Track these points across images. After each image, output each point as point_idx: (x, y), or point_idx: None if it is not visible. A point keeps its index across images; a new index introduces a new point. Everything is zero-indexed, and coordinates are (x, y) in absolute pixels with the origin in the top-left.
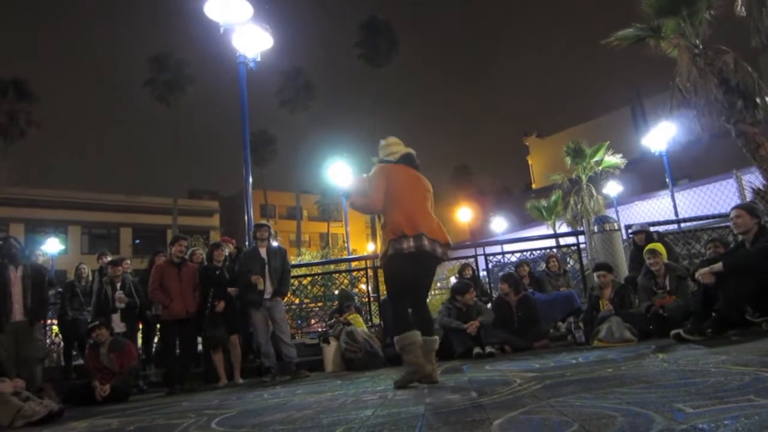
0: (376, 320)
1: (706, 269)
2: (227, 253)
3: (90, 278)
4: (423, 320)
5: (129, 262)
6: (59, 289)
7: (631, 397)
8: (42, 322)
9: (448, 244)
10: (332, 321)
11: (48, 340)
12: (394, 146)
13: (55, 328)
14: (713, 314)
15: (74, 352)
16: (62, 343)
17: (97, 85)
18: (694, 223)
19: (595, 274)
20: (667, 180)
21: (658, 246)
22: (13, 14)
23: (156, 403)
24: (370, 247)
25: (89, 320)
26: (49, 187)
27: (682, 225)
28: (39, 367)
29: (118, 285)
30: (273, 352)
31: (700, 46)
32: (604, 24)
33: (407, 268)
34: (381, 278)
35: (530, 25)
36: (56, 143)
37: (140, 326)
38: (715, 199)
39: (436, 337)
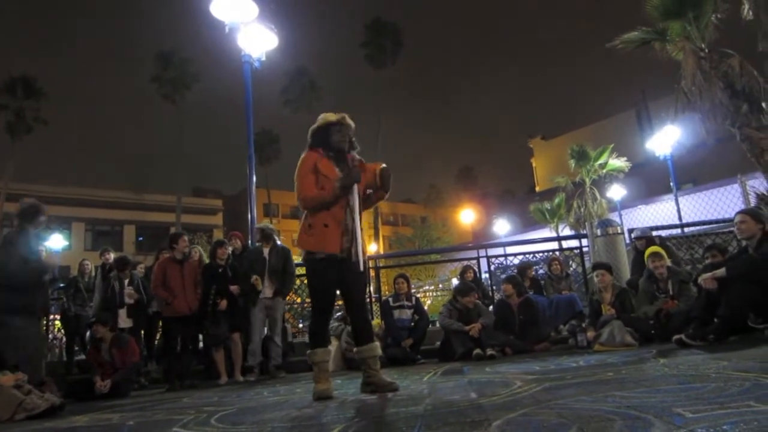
0: (378, 321)
1: (708, 274)
2: (230, 251)
3: (93, 274)
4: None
5: (142, 266)
6: (61, 285)
7: (631, 400)
8: (46, 316)
9: None
10: (338, 324)
11: (50, 335)
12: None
13: (58, 323)
14: (715, 320)
15: (76, 348)
16: (64, 338)
17: (102, 82)
18: (698, 227)
19: (594, 273)
20: (671, 184)
21: (660, 249)
22: (19, 11)
23: (156, 399)
24: (372, 248)
25: (92, 316)
26: (54, 183)
27: (686, 230)
28: (43, 361)
29: (126, 281)
30: (260, 351)
31: (706, 50)
32: (612, 26)
33: None
34: (383, 278)
35: (538, 28)
36: (61, 140)
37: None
38: (719, 203)
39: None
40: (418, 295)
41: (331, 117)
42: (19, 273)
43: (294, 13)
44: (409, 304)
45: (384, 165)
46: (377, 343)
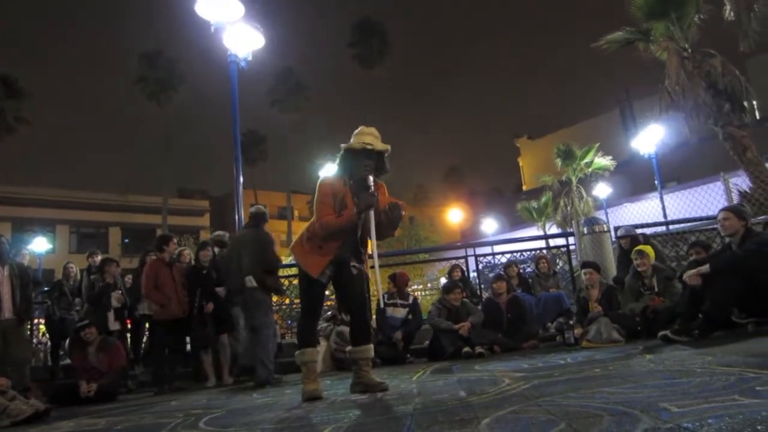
0: None
1: (693, 271)
2: (215, 251)
3: (78, 277)
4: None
5: (129, 276)
6: (45, 288)
7: (618, 396)
8: (29, 321)
9: None
10: (327, 325)
11: (35, 340)
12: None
13: (42, 327)
14: (700, 315)
15: (61, 352)
16: (49, 343)
17: (87, 82)
18: (683, 225)
19: (582, 271)
20: (656, 182)
21: (646, 247)
22: (3, 11)
23: (144, 402)
24: None
25: (77, 320)
26: (37, 185)
27: (671, 227)
28: (27, 366)
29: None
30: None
31: (689, 50)
32: (597, 26)
33: None
34: (372, 278)
35: (525, 28)
36: (45, 141)
37: (128, 325)
38: (702, 201)
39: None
40: None
41: (357, 144)
42: (273, 259)
43: (281, 13)
44: (403, 302)
45: (399, 202)
46: (371, 346)
